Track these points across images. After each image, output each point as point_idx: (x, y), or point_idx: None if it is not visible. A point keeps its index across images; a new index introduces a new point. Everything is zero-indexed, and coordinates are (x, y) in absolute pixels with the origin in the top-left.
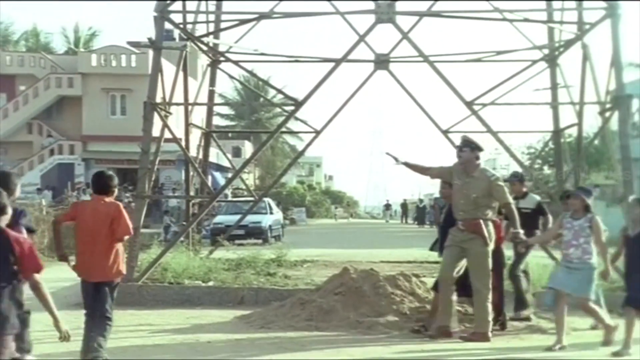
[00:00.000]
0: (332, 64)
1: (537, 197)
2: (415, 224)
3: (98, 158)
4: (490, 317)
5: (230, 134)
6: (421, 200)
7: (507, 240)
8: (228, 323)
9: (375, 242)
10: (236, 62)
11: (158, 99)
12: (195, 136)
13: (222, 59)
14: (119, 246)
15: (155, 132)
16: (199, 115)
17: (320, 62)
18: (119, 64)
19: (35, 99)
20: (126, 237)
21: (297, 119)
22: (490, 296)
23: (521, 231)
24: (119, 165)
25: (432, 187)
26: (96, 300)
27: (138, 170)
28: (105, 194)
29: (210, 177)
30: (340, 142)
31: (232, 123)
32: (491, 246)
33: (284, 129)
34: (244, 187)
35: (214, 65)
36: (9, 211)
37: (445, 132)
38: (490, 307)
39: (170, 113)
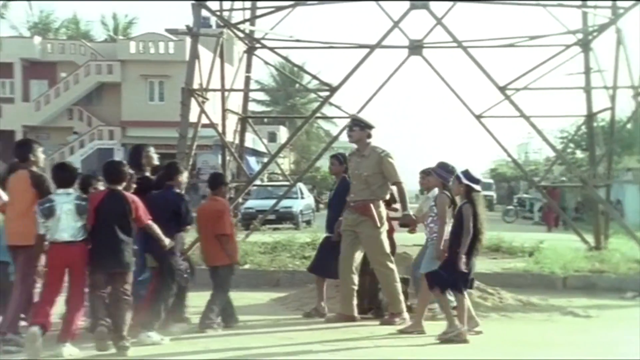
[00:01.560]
0: (366, 50)
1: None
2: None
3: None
4: (401, 296)
5: (265, 120)
6: None
7: (400, 224)
8: (264, 305)
9: None
10: (272, 49)
11: (195, 85)
12: (232, 121)
13: (258, 45)
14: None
15: (193, 117)
16: (235, 101)
17: (355, 48)
18: (157, 51)
19: (75, 85)
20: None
21: (331, 104)
22: (396, 276)
23: (411, 212)
24: (157, 150)
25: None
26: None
27: (176, 155)
28: (217, 190)
29: (245, 162)
30: (374, 125)
31: (268, 109)
32: (384, 227)
33: (318, 115)
34: (279, 171)
35: (250, 51)
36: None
37: (479, 117)
38: (399, 287)
39: (207, 99)
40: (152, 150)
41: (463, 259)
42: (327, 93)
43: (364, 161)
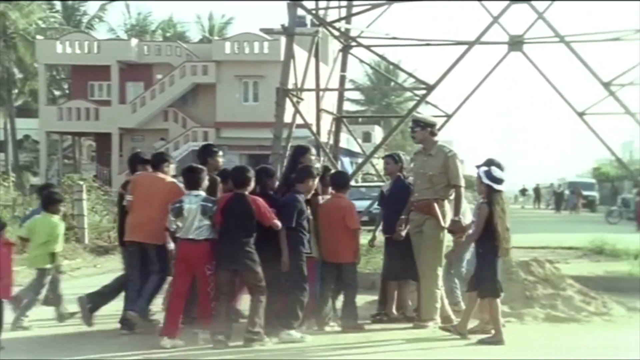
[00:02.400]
0: (464, 47)
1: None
2: (549, 209)
3: (231, 144)
4: (439, 303)
5: (360, 119)
6: (559, 185)
7: (447, 230)
8: (359, 308)
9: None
10: (367, 47)
11: (290, 85)
12: (326, 121)
13: (353, 43)
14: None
15: (287, 117)
16: (329, 101)
17: (453, 45)
18: (251, 51)
19: (171, 87)
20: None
21: (428, 103)
22: (440, 283)
23: (460, 218)
24: (250, 151)
25: (565, 172)
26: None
27: (270, 156)
28: (344, 189)
29: (339, 163)
30: (470, 124)
31: (363, 108)
32: (446, 226)
33: (414, 113)
34: (373, 172)
35: (345, 50)
36: (252, 183)
37: (581, 115)
38: (439, 294)
39: (301, 99)
40: (313, 152)
41: (464, 258)
42: (424, 91)
43: (430, 160)
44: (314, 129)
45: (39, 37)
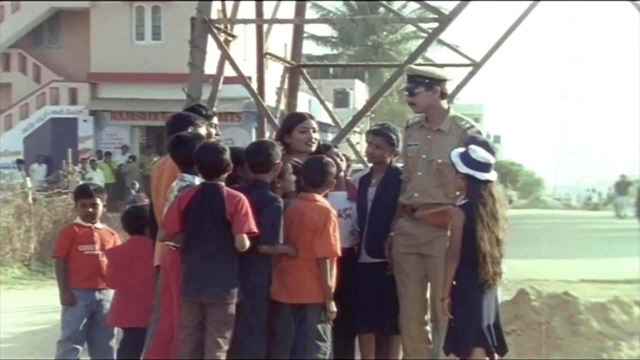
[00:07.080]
0: None
1: None
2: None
3: (115, 110)
4: None
5: (331, 70)
6: None
7: None
8: None
9: (571, 247)
10: None
11: (214, 14)
12: (275, 73)
13: None
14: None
15: (210, 67)
16: (280, 40)
17: None
18: None
19: (15, 14)
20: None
21: (443, 43)
22: None
23: None
24: (149, 121)
25: None
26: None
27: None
28: (318, 187)
29: None
30: (511, 82)
31: (335, 52)
32: None
33: (420, 60)
34: (353, 155)
35: None
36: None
37: None
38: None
39: (234, 36)
40: (310, 124)
41: (447, 300)
42: (436, 25)
43: (438, 139)
44: (255, 85)
45: None
